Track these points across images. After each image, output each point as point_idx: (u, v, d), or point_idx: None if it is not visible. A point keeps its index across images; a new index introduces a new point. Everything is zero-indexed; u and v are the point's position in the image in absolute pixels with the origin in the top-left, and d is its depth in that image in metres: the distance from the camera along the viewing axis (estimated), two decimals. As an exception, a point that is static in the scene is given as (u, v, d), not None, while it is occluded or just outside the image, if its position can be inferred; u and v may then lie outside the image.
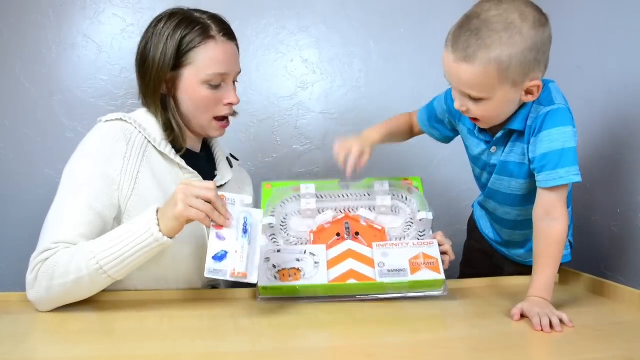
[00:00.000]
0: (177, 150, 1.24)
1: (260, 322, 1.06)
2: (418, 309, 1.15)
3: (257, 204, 1.36)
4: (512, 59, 1.03)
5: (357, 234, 1.22)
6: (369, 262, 1.17)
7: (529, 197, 1.23)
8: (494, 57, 1.03)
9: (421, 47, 1.86)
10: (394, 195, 1.30)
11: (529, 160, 1.17)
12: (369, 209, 1.29)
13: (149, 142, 1.20)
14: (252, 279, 1.04)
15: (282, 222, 1.26)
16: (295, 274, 1.14)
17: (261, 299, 1.15)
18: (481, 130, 1.24)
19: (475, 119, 1.17)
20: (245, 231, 1.06)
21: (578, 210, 1.55)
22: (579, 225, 1.55)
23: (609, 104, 1.44)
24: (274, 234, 1.24)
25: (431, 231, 1.26)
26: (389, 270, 1.15)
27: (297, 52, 1.84)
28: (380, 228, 1.24)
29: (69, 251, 1.05)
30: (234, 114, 1.30)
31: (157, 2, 1.72)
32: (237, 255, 1.03)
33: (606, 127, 1.45)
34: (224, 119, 1.26)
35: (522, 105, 1.15)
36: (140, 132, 1.20)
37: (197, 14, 1.23)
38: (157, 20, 1.23)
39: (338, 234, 1.22)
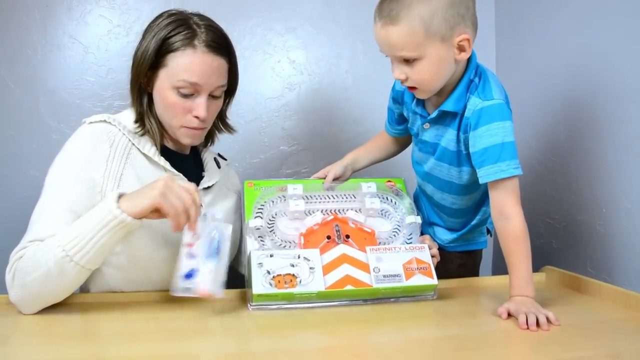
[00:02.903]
0: (162, 152, 1.23)
1: (248, 323, 1.06)
2: (405, 309, 1.15)
3: (241, 203, 1.35)
4: (433, 14, 1.09)
5: (347, 236, 1.22)
6: (364, 267, 1.16)
7: (465, 188, 1.30)
8: (416, 14, 1.09)
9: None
10: (382, 197, 1.30)
11: (466, 148, 1.22)
12: (357, 210, 1.29)
13: (133, 144, 1.19)
14: (218, 295, 1.05)
15: (270, 223, 1.24)
16: (291, 280, 1.12)
17: (254, 306, 1.12)
18: (418, 104, 1.28)
19: (413, 88, 1.19)
20: (217, 251, 1.07)
21: (564, 210, 1.57)
22: (565, 225, 1.57)
23: (593, 104, 1.45)
24: (261, 237, 1.22)
25: (419, 234, 1.26)
26: (384, 276, 1.15)
27: (284, 53, 1.84)
28: (370, 231, 1.24)
29: (39, 245, 1.04)
30: (209, 129, 1.29)
31: (144, 3, 1.72)
32: (209, 274, 1.04)
33: (590, 127, 1.46)
34: (193, 129, 1.22)
35: (457, 86, 1.20)
36: (124, 134, 1.19)
37: (195, 19, 1.19)
38: (159, 16, 1.21)
39: (328, 237, 1.21)
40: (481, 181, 1.18)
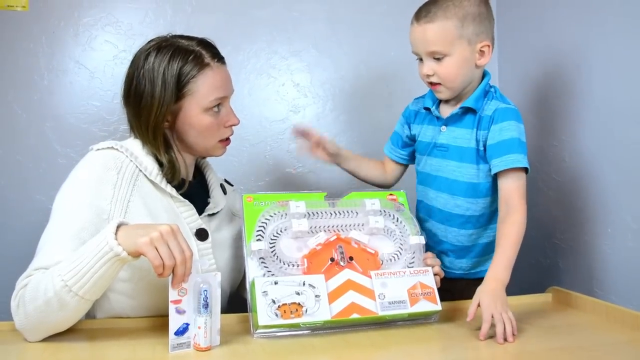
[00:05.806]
0: (174, 183, 1.23)
1: (254, 349, 1.06)
2: (412, 332, 1.15)
3: (241, 219, 1.32)
4: (464, 19, 1.26)
5: (351, 258, 1.21)
6: (370, 293, 1.16)
7: (483, 189, 1.34)
8: (450, 16, 1.26)
9: (411, 71, 1.86)
10: (385, 214, 1.29)
11: (484, 146, 1.31)
12: (360, 226, 1.27)
13: (140, 170, 1.20)
14: (215, 344, 1.03)
15: (271, 244, 1.21)
16: (296, 309, 1.10)
17: (258, 334, 1.12)
18: (436, 109, 1.39)
19: (437, 85, 1.32)
20: (206, 306, 1.01)
21: (569, 230, 1.56)
22: (571, 245, 1.56)
23: (597, 123, 1.45)
24: (263, 260, 1.18)
25: (423, 252, 1.26)
26: (389, 303, 1.15)
27: (288, 76, 1.86)
28: (373, 252, 1.23)
29: (43, 274, 1.03)
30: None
31: (149, 28, 1.74)
32: (200, 330, 1.00)
33: (594, 146, 1.46)
34: (227, 139, 1.29)
35: (475, 90, 1.34)
36: (131, 160, 1.19)
37: (184, 42, 1.22)
38: (146, 54, 1.21)
39: (332, 259, 1.20)
40: (494, 170, 1.27)
